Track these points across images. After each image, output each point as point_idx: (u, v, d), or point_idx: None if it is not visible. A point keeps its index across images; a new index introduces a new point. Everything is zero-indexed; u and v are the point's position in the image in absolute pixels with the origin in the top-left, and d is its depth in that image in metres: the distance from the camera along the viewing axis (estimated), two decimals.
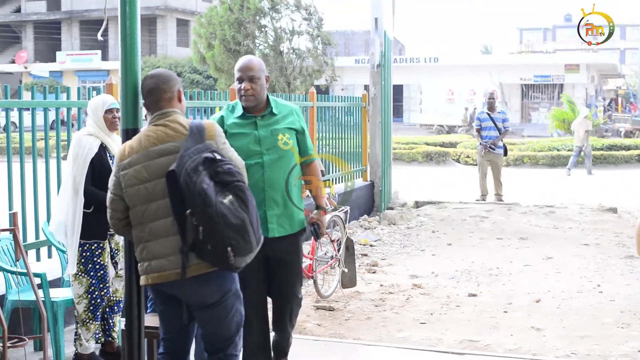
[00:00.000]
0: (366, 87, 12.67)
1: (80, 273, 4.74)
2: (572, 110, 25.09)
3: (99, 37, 8.85)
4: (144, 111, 3.72)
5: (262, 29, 22.58)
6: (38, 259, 5.97)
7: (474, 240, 9.61)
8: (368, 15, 12.03)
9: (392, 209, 11.90)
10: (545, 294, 6.94)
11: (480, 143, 12.75)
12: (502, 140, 12.64)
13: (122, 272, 4.74)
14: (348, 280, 6.95)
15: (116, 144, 4.68)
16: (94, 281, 4.76)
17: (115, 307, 4.97)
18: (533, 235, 9.79)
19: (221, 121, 4.22)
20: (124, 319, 3.65)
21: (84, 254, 4.74)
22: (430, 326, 6.04)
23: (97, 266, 4.77)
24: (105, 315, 4.95)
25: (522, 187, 15.30)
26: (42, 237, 5.81)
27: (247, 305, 3.70)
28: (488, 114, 12.60)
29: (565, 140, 24.47)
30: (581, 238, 9.65)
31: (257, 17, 22.20)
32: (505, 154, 12.89)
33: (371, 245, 9.23)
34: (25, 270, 4.60)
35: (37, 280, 4.66)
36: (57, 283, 5.32)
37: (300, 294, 4.50)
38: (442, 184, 16.46)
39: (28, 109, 5.97)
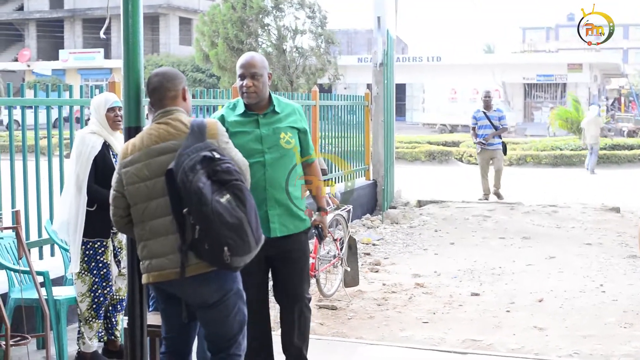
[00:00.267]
0: (369, 86, 12.68)
1: (83, 271, 4.74)
2: (577, 110, 24.99)
3: (102, 35, 8.88)
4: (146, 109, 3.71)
5: (265, 28, 22.54)
6: (41, 257, 5.97)
7: (476, 239, 9.60)
8: (371, 14, 12.05)
9: (394, 208, 11.90)
10: (548, 294, 6.93)
11: (475, 142, 12.77)
12: (500, 137, 12.62)
13: (124, 271, 4.73)
14: (350, 279, 6.95)
15: (119, 143, 4.68)
16: (96, 279, 4.76)
17: (118, 306, 4.97)
18: (536, 235, 9.78)
19: (222, 119, 4.10)
20: (126, 318, 3.64)
21: (87, 252, 4.74)
22: (433, 325, 6.04)
23: (100, 264, 4.77)
24: (108, 314, 4.95)
25: (524, 187, 15.30)
26: (44, 236, 5.79)
27: (248, 305, 3.64)
28: (484, 113, 12.59)
29: (568, 139, 24.41)
30: (584, 238, 9.64)
31: (260, 16, 22.17)
32: (505, 152, 12.87)
33: (374, 244, 9.23)
34: (28, 269, 4.59)
35: (40, 279, 4.66)
36: (60, 281, 5.32)
37: (308, 295, 4.32)
38: (444, 183, 16.45)
39: (31, 107, 5.98)
